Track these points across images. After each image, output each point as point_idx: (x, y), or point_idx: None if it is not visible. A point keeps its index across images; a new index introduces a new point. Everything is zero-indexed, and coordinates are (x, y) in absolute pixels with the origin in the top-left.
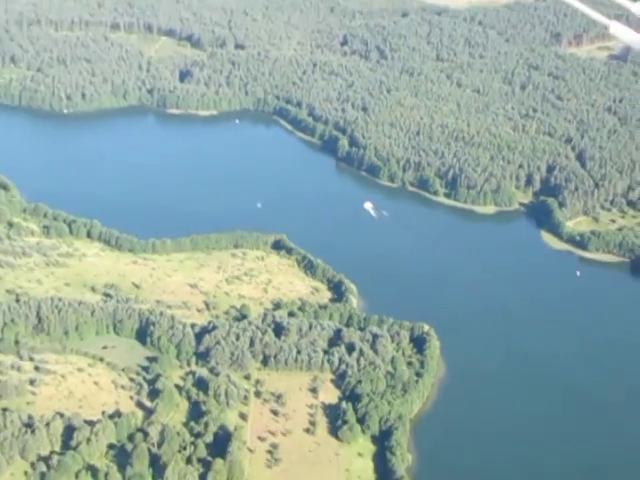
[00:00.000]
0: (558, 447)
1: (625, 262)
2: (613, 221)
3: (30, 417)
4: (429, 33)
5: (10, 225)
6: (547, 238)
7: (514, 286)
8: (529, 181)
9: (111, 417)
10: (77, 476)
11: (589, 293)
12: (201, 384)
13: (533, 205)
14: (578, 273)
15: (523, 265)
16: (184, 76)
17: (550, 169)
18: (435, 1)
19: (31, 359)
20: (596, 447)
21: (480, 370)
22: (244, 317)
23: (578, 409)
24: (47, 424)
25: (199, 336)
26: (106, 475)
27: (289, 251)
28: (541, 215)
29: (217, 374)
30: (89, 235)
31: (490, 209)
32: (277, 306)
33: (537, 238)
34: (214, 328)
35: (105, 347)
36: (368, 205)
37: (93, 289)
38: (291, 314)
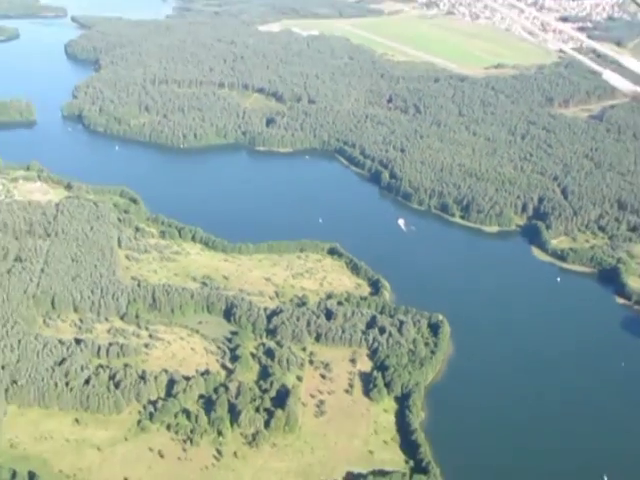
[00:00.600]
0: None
1: (594, 272)
2: (587, 241)
3: (144, 371)
4: (453, 95)
5: (137, 229)
6: (536, 252)
7: (509, 288)
8: (524, 208)
9: (202, 374)
10: (175, 417)
11: (566, 294)
12: (269, 353)
13: (526, 226)
14: (558, 279)
15: (517, 272)
16: (269, 122)
17: (540, 200)
18: (460, 71)
19: (147, 329)
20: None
21: (482, 350)
22: (304, 304)
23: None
24: (155, 377)
25: (269, 317)
26: (196, 417)
27: (340, 256)
28: (532, 234)
29: (281, 346)
30: (193, 239)
31: (494, 228)
32: (329, 296)
33: (528, 252)
34: (281, 311)
35: (200, 322)
36: (401, 221)
37: (194, 279)
38: (339, 303)
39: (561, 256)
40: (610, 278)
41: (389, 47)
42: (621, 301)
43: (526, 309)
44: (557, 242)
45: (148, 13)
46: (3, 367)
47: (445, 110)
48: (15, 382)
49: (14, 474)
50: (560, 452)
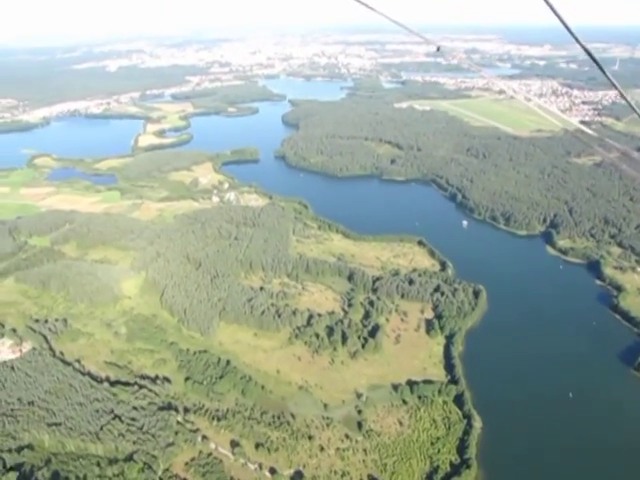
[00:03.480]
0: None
1: (584, 263)
2: (582, 243)
3: (295, 309)
4: (507, 147)
5: (305, 224)
6: (549, 249)
7: (529, 270)
8: (544, 220)
9: (329, 313)
10: (310, 337)
11: (565, 276)
12: (371, 303)
13: (544, 232)
14: (561, 267)
15: (535, 261)
16: (392, 161)
17: (555, 215)
18: (514, 133)
19: (301, 284)
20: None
21: (506, 310)
22: (397, 274)
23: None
24: (301, 313)
25: (374, 281)
26: (322, 338)
27: (424, 245)
28: (547, 237)
29: (379, 299)
30: (336, 231)
31: (524, 232)
32: (413, 270)
33: (544, 248)
34: (381, 278)
35: (333, 282)
36: (464, 223)
37: (333, 255)
38: (419, 275)
39: (564, 252)
40: (594, 267)
41: (471, 117)
42: (599, 282)
43: (539, 284)
44: (563, 243)
45: (332, 97)
46: (219, 300)
47: (501, 157)
48: (224, 308)
49: (219, 360)
50: (554, 381)
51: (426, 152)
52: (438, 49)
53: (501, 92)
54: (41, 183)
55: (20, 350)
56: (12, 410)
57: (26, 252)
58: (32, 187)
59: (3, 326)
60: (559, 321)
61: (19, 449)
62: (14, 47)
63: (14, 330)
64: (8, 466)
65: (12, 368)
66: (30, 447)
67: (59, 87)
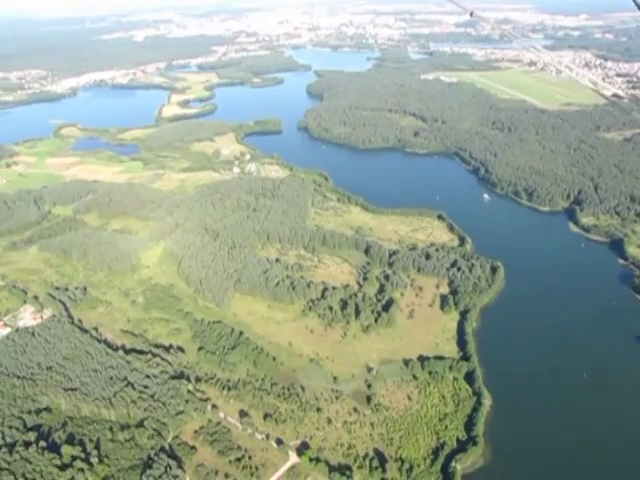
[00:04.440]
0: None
1: (607, 242)
2: (606, 221)
3: (310, 281)
4: (534, 121)
5: (324, 196)
6: (571, 226)
7: (550, 248)
8: (568, 196)
9: (344, 286)
10: (323, 310)
11: (586, 254)
12: (386, 277)
13: (567, 208)
14: (582, 245)
15: (557, 238)
16: (415, 134)
17: (579, 192)
18: (542, 107)
19: (317, 257)
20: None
21: (524, 287)
22: (414, 248)
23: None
24: (316, 285)
25: (390, 255)
26: (335, 311)
27: (444, 220)
28: (570, 214)
29: (395, 273)
30: (356, 203)
31: (546, 208)
32: (431, 245)
33: (566, 225)
34: (398, 252)
35: (349, 255)
36: (485, 197)
37: (351, 228)
38: (436, 249)
39: (587, 229)
40: (617, 246)
41: (499, 90)
42: (621, 262)
43: (559, 262)
44: (586, 220)
45: (358, 68)
46: (235, 270)
47: (527, 131)
48: (239, 280)
49: (232, 330)
50: (568, 361)
51: (450, 125)
52: (471, 14)
53: (531, 64)
54: (66, 153)
55: (41, 317)
56: (32, 374)
57: (49, 221)
58: (58, 157)
59: (26, 293)
60: (578, 300)
61: (38, 411)
62: (46, 18)
63: (36, 297)
64: (28, 426)
65: (33, 334)
66: (48, 410)
67: (87, 57)
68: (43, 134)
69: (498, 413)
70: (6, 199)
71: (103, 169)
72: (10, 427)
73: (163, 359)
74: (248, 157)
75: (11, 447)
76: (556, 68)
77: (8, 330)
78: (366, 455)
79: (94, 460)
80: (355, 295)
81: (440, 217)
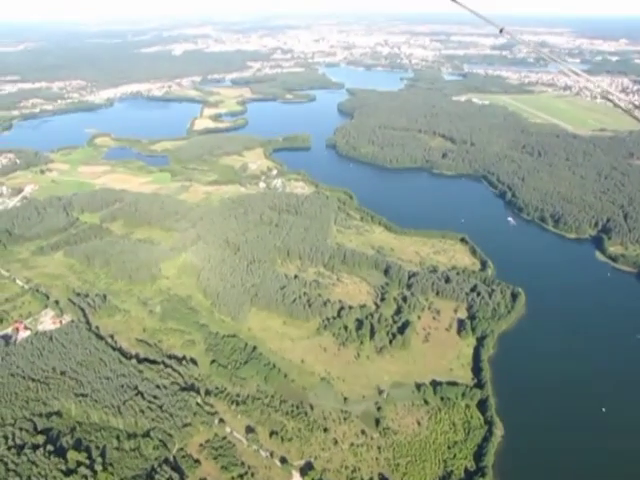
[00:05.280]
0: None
1: (635, 272)
2: (634, 250)
3: (327, 299)
4: (565, 146)
5: (347, 214)
6: (598, 254)
7: (575, 277)
8: (596, 224)
9: (360, 306)
10: (338, 329)
11: (612, 285)
12: (404, 299)
13: (595, 237)
14: (609, 274)
15: (582, 267)
16: (444, 155)
17: (607, 220)
18: (574, 132)
19: (336, 275)
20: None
21: (545, 315)
22: (434, 271)
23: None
24: (332, 304)
25: (410, 276)
26: (350, 331)
27: (466, 243)
28: (597, 242)
29: (413, 295)
30: (379, 223)
31: (573, 235)
32: (452, 268)
33: (593, 254)
34: (417, 274)
35: (368, 274)
36: (510, 220)
37: (372, 247)
38: (457, 273)
39: (614, 258)
40: None
41: (531, 113)
42: None
43: (583, 292)
44: (614, 249)
45: (390, 87)
46: (253, 285)
47: (557, 156)
48: (256, 294)
49: (245, 345)
50: (587, 395)
51: (479, 147)
52: (501, 31)
53: (566, 88)
54: (98, 161)
55: (60, 321)
56: (46, 378)
57: (77, 228)
58: (90, 165)
59: (48, 297)
60: (601, 332)
61: (48, 415)
62: (91, 31)
63: (57, 302)
64: (38, 429)
65: (50, 338)
66: (58, 414)
67: (125, 69)
68: (78, 142)
69: (509, 444)
70: (37, 205)
71: (132, 179)
72: (21, 429)
73: (175, 370)
74: (275, 172)
75: (20, 449)
76: (592, 91)
77: (28, 333)
78: None
79: (98, 467)
80: (371, 315)
81: (463, 240)
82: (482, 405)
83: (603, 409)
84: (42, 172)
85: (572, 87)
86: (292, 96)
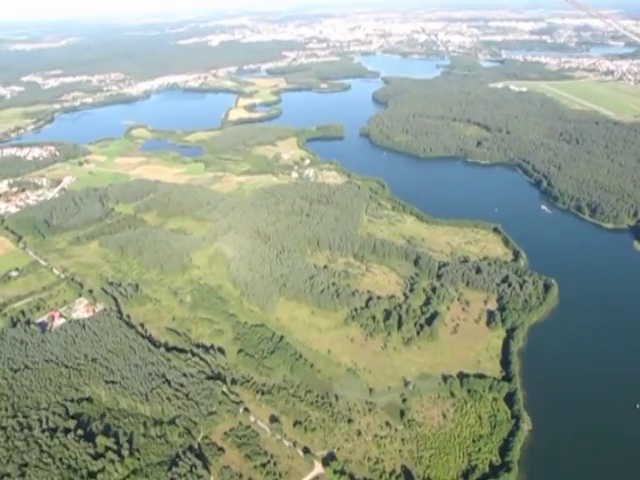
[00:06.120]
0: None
1: None
2: None
3: (356, 290)
4: (605, 133)
5: (379, 204)
6: (636, 245)
7: (612, 267)
8: (635, 214)
9: (389, 297)
10: (366, 319)
11: None
12: (433, 289)
13: (633, 226)
14: None
15: (619, 257)
16: (478, 144)
17: None
18: (615, 118)
19: (366, 265)
20: None
21: (577, 308)
22: (465, 261)
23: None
24: (361, 294)
25: (440, 267)
26: (378, 322)
27: (499, 233)
28: (636, 232)
29: (443, 286)
30: (410, 212)
31: (610, 225)
32: (483, 258)
33: (631, 244)
34: (448, 264)
35: (398, 265)
36: (543, 208)
37: (403, 237)
38: (488, 264)
39: None
40: None
41: (570, 100)
42: None
43: (619, 283)
44: None
45: (426, 75)
46: (282, 275)
47: (596, 143)
48: (285, 284)
49: (273, 334)
50: (620, 391)
51: (515, 135)
52: None
53: (608, 73)
54: (134, 153)
55: (93, 310)
56: (78, 365)
57: (112, 218)
58: (126, 156)
59: (82, 286)
60: (636, 327)
61: (80, 400)
62: (130, 24)
63: (90, 291)
64: (70, 414)
65: (83, 326)
66: (89, 400)
67: (163, 61)
68: (115, 134)
69: (537, 440)
70: (74, 196)
71: (166, 169)
72: (54, 413)
73: (202, 359)
74: (307, 162)
75: (53, 432)
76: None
77: (62, 321)
78: (393, 472)
79: (125, 453)
80: (399, 306)
81: (496, 230)
82: (510, 398)
83: (638, 405)
84: (80, 164)
85: (614, 72)
86: (327, 85)
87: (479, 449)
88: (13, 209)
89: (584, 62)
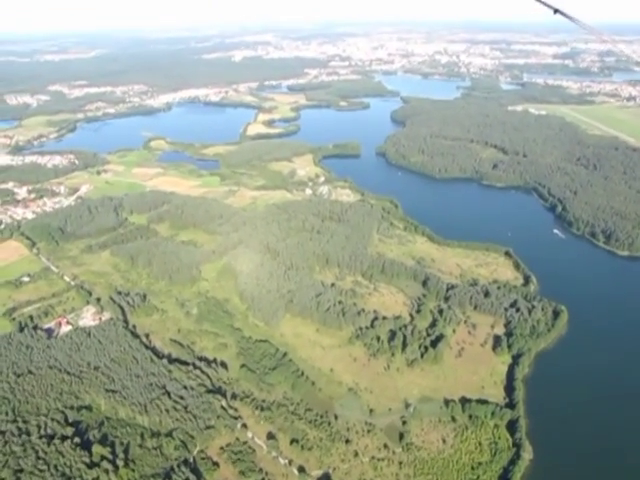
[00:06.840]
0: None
1: None
2: None
3: (362, 309)
4: (624, 159)
5: (391, 223)
6: None
7: (626, 297)
8: None
9: (395, 317)
10: (370, 339)
11: None
12: (440, 312)
13: None
14: None
15: (635, 285)
16: (494, 166)
17: None
18: (635, 145)
19: (374, 284)
20: None
21: (586, 337)
22: (475, 284)
23: None
24: (366, 313)
25: (448, 289)
26: (382, 342)
27: (510, 257)
28: None
29: (449, 308)
30: (422, 233)
31: (625, 253)
32: (494, 282)
33: None
34: (456, 286)
35: (406, 285)
36: (556, 231)
37: (413, 258)
38: (497, 287)
39: None
40: None
41: (590, 124)
42: None
43: (632, 313)
44: None
45: (446, 96)
46: (289, 291)
47: (614, 169)
48: (291, 301)
49: (276, 351)
50: (627, 425)
51: (532, 159)
52: (555, 12)
53: (630, 98)
54: (151, 164)
55: (100, 318)
56: (80, 372)
57: (125, 228)
58: (143, 167)
59: (90, 294)
60: None
61: (79, 408)
62: (156, 37)
63: (98, 299)
64: (68, 421)
65: (89, 334)
66: (88, 408)
67: (186, 75)
68: (134, 145)
69: (538, 470)
70: (90, 204)
71: (182, 182)
72: (53, 420)
73: (203, 372)
74: (322, 179)
75: (50, 439)
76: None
77: (69, 328)
78: None
79: (120, 463)
80: (405, 327)
81: (507, 254)
82: (512, 426)
83: None
84: (98, 173)
85: (636, 97)
86: (346, 103)
87: (477, 477)
88: (30, 215)
89: (606, 87)
